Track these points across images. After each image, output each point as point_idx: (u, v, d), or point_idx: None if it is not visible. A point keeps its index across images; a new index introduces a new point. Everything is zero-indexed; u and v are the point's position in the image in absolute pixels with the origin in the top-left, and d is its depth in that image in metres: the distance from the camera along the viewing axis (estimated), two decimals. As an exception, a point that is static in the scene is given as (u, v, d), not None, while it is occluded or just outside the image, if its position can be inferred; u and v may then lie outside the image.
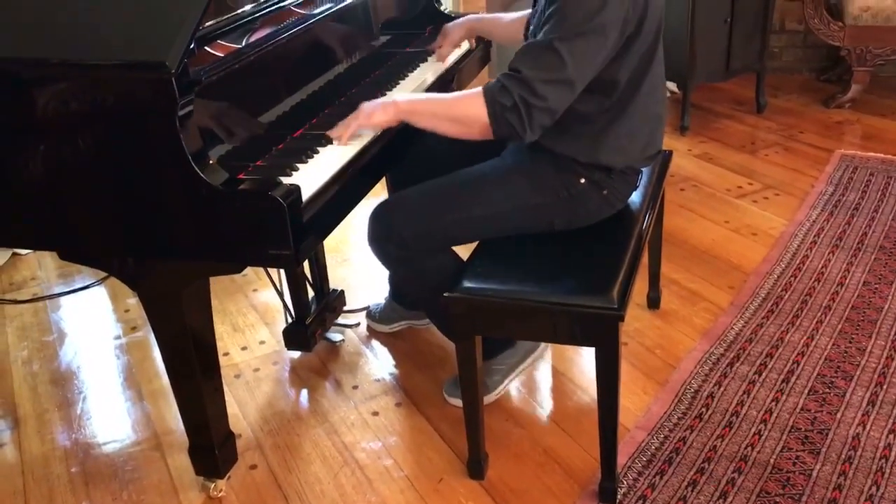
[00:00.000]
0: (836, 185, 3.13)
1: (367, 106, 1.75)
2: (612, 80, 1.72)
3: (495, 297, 1.66)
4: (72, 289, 2.77)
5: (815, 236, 2.76)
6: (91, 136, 1.42)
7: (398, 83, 2.10)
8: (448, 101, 1.74)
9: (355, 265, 2.81)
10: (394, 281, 2.37)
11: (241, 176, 1.52)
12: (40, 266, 2.92)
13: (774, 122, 3.88)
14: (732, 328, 2.29)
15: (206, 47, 1.59)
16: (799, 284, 2.49)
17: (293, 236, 1.40)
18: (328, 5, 1.95)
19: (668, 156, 2.19)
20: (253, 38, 1.72)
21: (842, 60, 4.07)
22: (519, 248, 1.81)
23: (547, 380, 2.18)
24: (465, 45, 2.39)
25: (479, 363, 1.75)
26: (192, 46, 1.39)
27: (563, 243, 1.81)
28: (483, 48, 2.46)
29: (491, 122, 1.63)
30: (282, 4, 1.86)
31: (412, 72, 2.18)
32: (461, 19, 2.32)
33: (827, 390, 2.03)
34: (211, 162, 1.43)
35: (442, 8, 2.50)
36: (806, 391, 2.03)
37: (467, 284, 1.68)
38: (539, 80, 1.59)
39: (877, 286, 2.45)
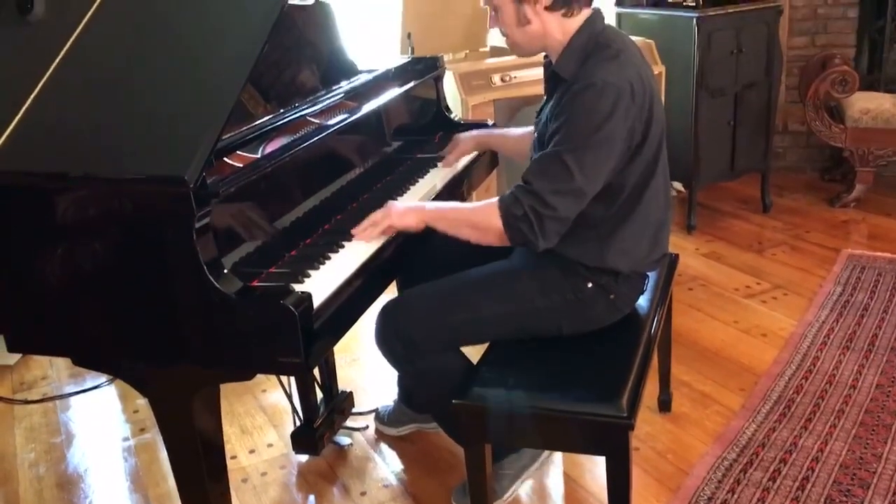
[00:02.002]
0: (844, 285, 3.14)
1: (396, 208, 1.80)
2: (618, 186, 1.77)
3: (504, 406, 1.66)
4: (82, 388, 2.77)
5: (825, 337, 2.75)
6: (108, 246, 1.45)
7: (409, 189, 2.15)
8: (468, 210, 1.82)
9: (365, 365, 2.81)
10: (402, 383, 2.37)
11: (254, 283, 1.55)
12: (51, 365, 2.93)
13: (780, 221, 3.92)
14: (745, 432, 2.27)
15: (223, 158, 1.64)
16: (811, 387, 2.47)
17: (304, 344, 1.41)
18: (343, 115, 2.02)
19: (674, 259, 2.22)
20: (269, 148, 1.77)
21: (845, 160, 4.13)
22: (528, 353, 1.82)
23: (558, 486, 2.15)
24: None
25: (488, 470, 1.74)
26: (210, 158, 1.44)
27: (571, 348, 1.82)
28: (490, 153, 2.52)
29: (505, 231, 1.71)
30: (300, 114, 1.93)
31: (422, 177, 2.23)
32: (473, 132, 2.38)
33: (844, 499, 1.99)
34: (225, 271, 1.46)
35: (452, 116, 2.58)
36: (822, 499, 1.99)
37: (476, 391, 1.69)
38: (548, 191, 1.66)
39: (890, 389, 2.43)
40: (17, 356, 2.96)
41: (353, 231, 1.78)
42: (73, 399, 2.73)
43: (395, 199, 2.05)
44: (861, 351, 2.65)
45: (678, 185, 4.09)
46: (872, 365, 2.57)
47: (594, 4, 1.81)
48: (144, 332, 1.51)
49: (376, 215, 1.80)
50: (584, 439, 1.65)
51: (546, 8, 1.74)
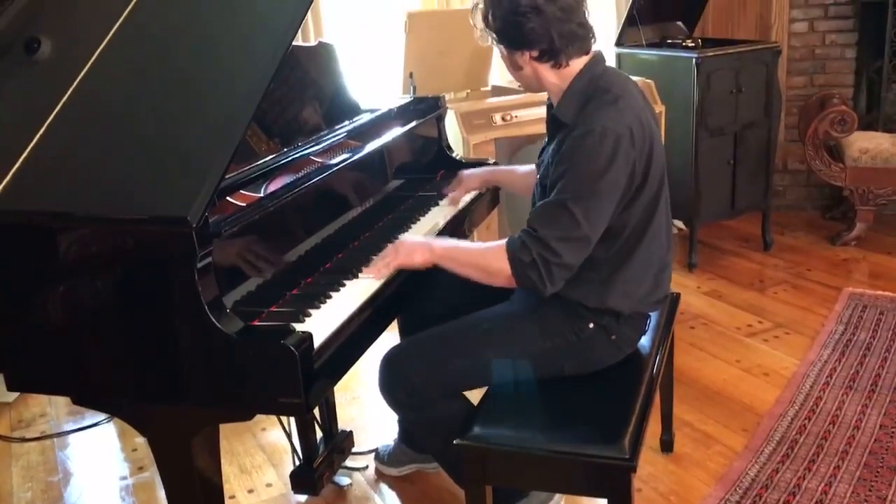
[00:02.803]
0: (846, 324, 3.13)
1: (406, 244, 1.82)
2: (619, 228, 1.77)
3: (505, 446, 1.65)
4: (80, 426, 2.75)
5: (827, 377, 2.74)
6: (109, 285, 1.45)
7: (411, 227, 2.15)
8: (477, 252, 1.82)
9: (365, 404, 2.80)
10: (403, 423, 2.36)
11: (255, 322, 1.55)
12: (50, 403, 2.92)
13: (782, 259, 3.92)
14: (748, 474, 2.25)
15: (226, 197, 1.65)
16: (814, 427, 2.45)
17: (304, 384, 1.41)
18: (346, 154, 2.03)
19: (676, 298, 2.21)
20: (271, 187, 1.78)
21: (845, 199, 4.15)
22: (529, 393, 1.81)
23: (559, 527, 2.13)
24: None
25: (489, 512, 1.72)
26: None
27: (573, 388, 1.81)
28: (492, 192, 2.54)
29: (513, 276, 1.71)
30: (303, 152, 1.94)
31: (424, 215, 2.24)
32: (478, 169, 2.40)
33: (848, 542, 1.97)
34: (227, 310, 1.46)
35: (453, 154, 2.60)
36: (827, 542, 1.97)
37: (477, 432, 1.68)
38: (554, 239, 1.67)
39: (894, 430, 2.41)
40: (15, 393, 2.94)
41: (366, 270, 1.79)
42: (71, 437, 2.71)
43: (396, 237, 2.06)
44: (864, 391, 2.64)
45: (679, 224, 4.10)
46: (876, 405, 2.55)
47: (595, 46, 1.82)
48: (144, 372, 1.50)
49: (387, 252, 1.81)
50: (586, 481, 1.63)
51: (533, 59, 1.77)
